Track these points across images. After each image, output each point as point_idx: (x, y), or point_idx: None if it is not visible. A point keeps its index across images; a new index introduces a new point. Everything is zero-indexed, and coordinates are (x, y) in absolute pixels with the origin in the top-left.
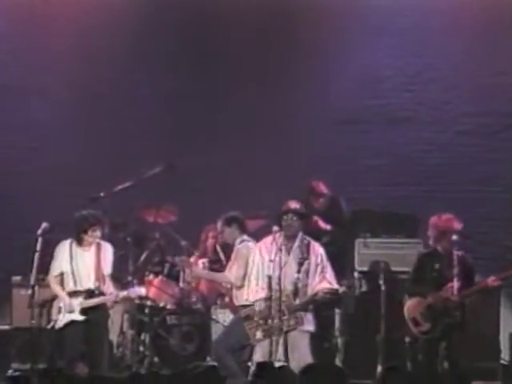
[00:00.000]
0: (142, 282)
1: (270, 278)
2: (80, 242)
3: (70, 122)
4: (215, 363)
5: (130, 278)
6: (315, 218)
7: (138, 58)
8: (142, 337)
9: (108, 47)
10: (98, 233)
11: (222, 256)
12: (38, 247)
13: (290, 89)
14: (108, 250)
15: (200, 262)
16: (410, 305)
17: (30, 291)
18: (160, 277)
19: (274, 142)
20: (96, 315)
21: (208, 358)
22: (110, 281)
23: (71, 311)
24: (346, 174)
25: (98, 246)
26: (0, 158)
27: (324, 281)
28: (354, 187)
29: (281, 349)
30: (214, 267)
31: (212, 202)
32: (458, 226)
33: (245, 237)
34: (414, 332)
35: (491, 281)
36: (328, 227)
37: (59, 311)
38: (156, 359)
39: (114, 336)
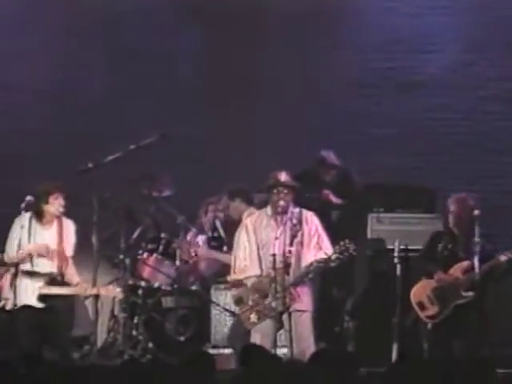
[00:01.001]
0: (134, 261)
1: (274, 255)
2: (40, 217)
3: (54, 84)
4: (215, 350)
5: (121, 257)
6: (326, 191)
7: (133, 18)
8: (135, 320)
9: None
10: (61, 201)
11: (222, 233)
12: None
13: (293, 51)
14: (70, 228)
15: (198, 238)
16: (416, 288)
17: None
18: (154, 255)
19: (278, 109)
20: (57, 303)
21: (207, 344)
22: (72, 264)
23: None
24: (355, 144)
25: (60, 223)
26: None
27: (320, 251)
28: (366, 158)
29: (282, 332)
30: (214, 245)
31: (211, 174)
32: (476, 208)
33: (252, 209)
34: (422, 317)
35: (502, 257)
36: (339, 201)
37: (13, 290)
38: (150, 345)
39: (104, 320)
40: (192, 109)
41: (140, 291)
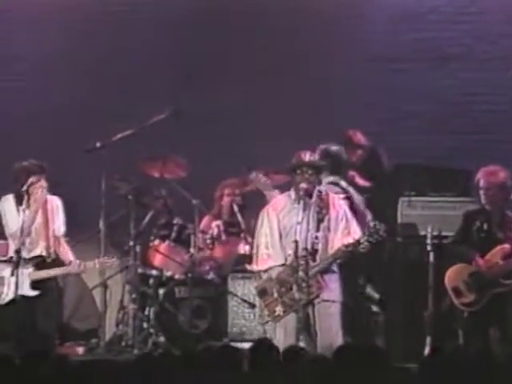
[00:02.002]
0: (145, 248)
1: (296, 242)
2: (22, 200)
3: (60, 58)
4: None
5: (131, 244)
6: (352, 172)
7: None
8: (146, 312)
9: None
10: (43, 182)
11: (239, 217)
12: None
13: (317, 23)
14: (56, 205)
15: (214, 224)
16: (451, 272)
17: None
18: (167, 242)
19: (301, 85)
20: (45, 288)
21: (224, 338)
22: (64, 242)
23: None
24: (385, 122)
25: (44, 202)
26: None
27: (348, 236)
28: (395, 137)
29: (308, 325)
30: (231, 230)
31: (228, 154)
32: (508, 179)
33: (275, 193)
34: (456, 304)
35: None
36: (367, 183)
37: (2, 282)
38: (162, 338)
39: (113, 312)
40: (207, 83)
41: (151, 281)
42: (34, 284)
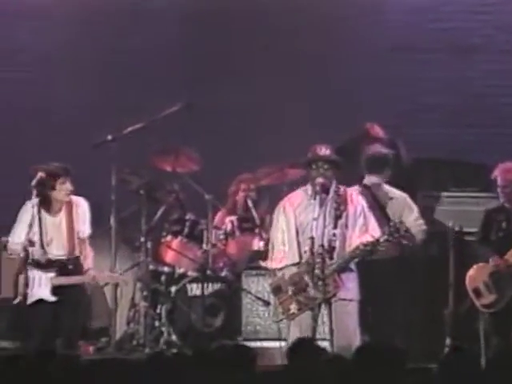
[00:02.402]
0: (157, 244)
1: (312, 239)
2: (48, 205)
3: (71, 50)
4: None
5: (142, 240)
6: None
7: None
8: (158, 310)
9: None
10: (68, 185)
11: (254, 213)
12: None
13: (336, 11)
14: (82, 206)
15: (228, 219)
16: (472, 272)
17: (22, 254)
18: (179, 237)
19: (315, 75)
20: (70, 294)
21: (238, 337)
22: (89, 246)
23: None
24: (403, 114)
25: (69, 204)
26: None
27: (366, 234)
28: (415, 130)
29: (324, 324)
30: (245, 226)
31: (242, 148)
32: None
33: None
34: (477, 305)
35: None
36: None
37: (27, 284)
38: (174, 337)
39: (123, 310)
40: (220, 76)
41: (163, 277)
42: (55, 289)
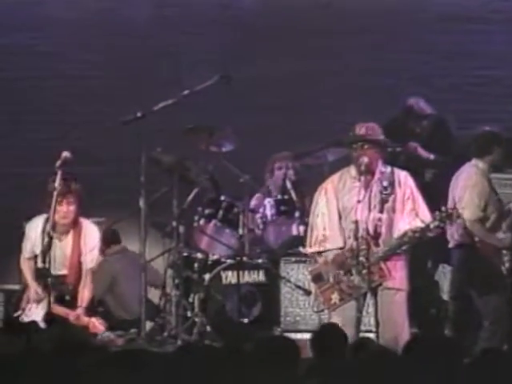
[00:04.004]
0: (189, 229)
1: (356, 223)
2: (52, 224)
3: (98, 20)
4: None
5: (174, 224)
6: (413, 144)
7: None
8: (190, 299)
9: None
10: (70, 207)
11: (293, 194)
12: (57, 183)
13: None
14: (91, 234)
15: (266, 201)
16: None
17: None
18: (213, 222)
19: (361, 49)
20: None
21: (276, 328)
22: (89, 280)
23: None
24: (454, 89)
25: (78, 228)
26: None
27: (415, 219)
28: (467, 105)
29: (369, 315)
30: (283, 209)
31: (280, 125)
32: None
33: None
34: None
35: None
36: (432, 156)
37: (27, 301)
38: (208, 328)
39: (154, 299)
40: (259, 48)
41: (196, 264)
42: (47, 316)
